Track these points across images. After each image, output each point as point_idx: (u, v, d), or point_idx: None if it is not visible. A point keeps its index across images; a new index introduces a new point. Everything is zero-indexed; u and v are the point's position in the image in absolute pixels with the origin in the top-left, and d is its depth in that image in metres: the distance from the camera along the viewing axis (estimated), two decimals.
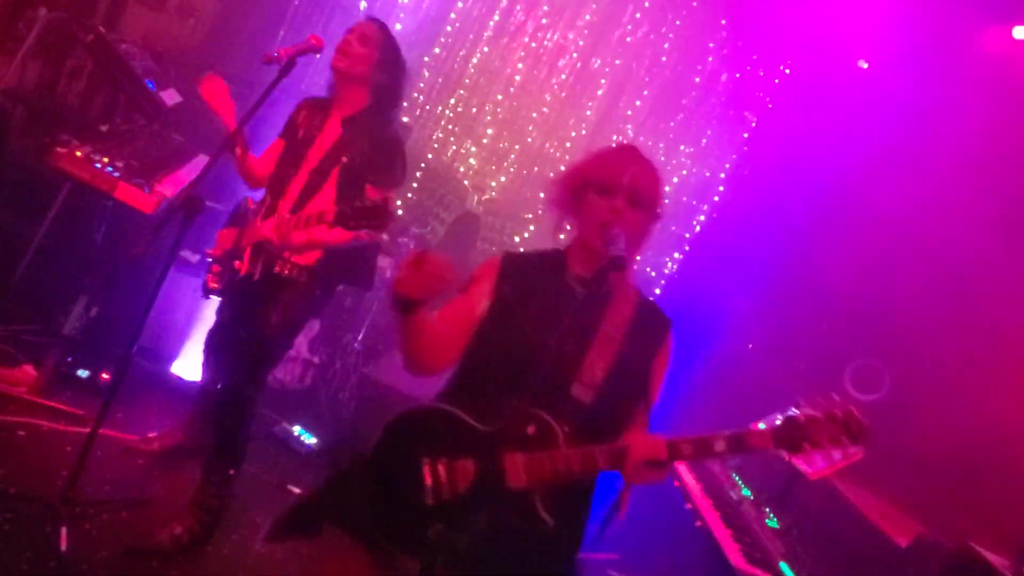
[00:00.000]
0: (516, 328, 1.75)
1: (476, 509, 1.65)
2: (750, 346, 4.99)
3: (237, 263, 2.65)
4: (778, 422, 1.59)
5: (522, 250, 1.93)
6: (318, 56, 2.72)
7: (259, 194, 2.83)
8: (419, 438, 1.73)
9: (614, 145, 1.84)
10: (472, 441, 1.68)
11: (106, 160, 3.02)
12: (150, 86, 3.46)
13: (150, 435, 3.12)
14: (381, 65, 2.70)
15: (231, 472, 2.85)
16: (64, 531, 2.35)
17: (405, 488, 1.69)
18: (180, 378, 3.77)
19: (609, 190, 1.74)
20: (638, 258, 1.87)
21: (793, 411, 1.58)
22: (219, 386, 2.92)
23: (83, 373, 3.28)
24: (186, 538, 2.70)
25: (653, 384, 1.80)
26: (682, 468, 3.45)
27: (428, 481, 1.68)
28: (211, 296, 2.82)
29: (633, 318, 1.78)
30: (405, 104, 6.32)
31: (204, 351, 3.04)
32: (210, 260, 2.79)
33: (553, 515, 1.64)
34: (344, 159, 2.62)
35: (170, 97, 3.70)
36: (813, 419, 1.55)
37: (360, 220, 2.14)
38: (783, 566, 2.68)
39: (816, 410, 1.56)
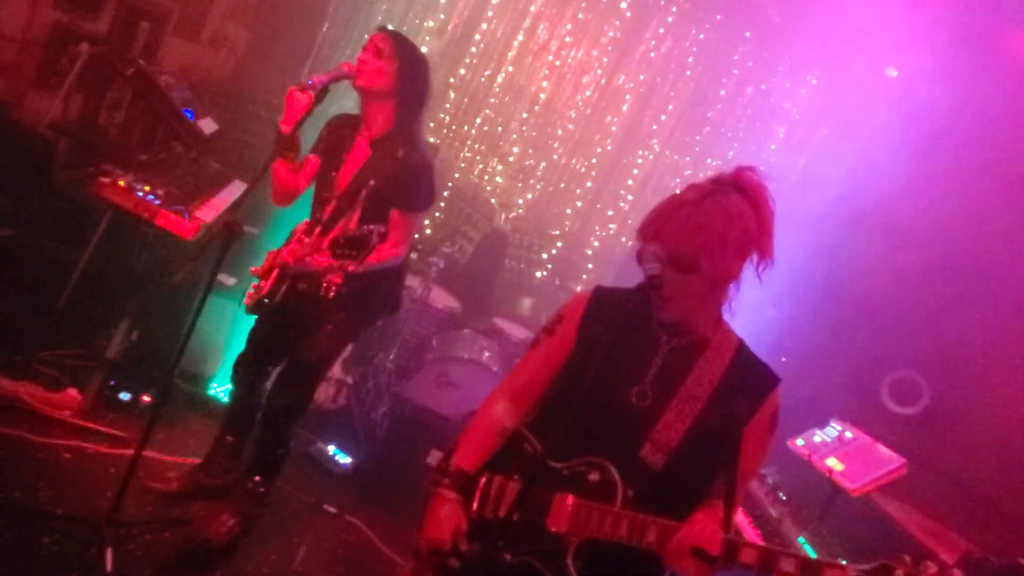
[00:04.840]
0: (595, 375, 1.59)
1: (507, 541, 1.58)
2: (783, 359, 4.92)
3: (263, 283, 2.67)
4: (866, 566, 1.38)
5: (614, 287, 1.80)
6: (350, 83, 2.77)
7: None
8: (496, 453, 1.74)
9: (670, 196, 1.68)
10: (533, 469, 1.64)
11: (147, 188, 3.10)
12: (188, 116, 3.56)
13: (170, 475, 3.03)
14: (402, 74, 2.67)
15: (265, 487, 2.92)
16: (109, 551, 2.39)
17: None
18: (218, 399, 3.84)
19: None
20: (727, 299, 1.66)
21: (886, 563, 1.38)
22: (259, 410, 2.97)
23: (125, 396, 3.35)
24: (238, 529, 2.80)
25: (745, 454, 1.55)
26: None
27: (479, 491, 1.68)
28: (250, 313, 2.80)
29: (725, 376, 1.60)
30: (432, 124, 6.49)
31: (234, 373, 3.04)
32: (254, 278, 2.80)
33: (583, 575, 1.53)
34: (372, 182, 2.61)
35: (207, 125, 3.80)
36: None
37: (345, 248, 2.24)
38: None
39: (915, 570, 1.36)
